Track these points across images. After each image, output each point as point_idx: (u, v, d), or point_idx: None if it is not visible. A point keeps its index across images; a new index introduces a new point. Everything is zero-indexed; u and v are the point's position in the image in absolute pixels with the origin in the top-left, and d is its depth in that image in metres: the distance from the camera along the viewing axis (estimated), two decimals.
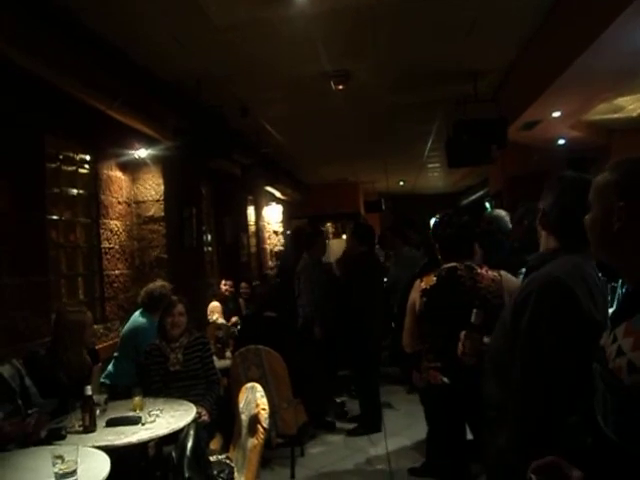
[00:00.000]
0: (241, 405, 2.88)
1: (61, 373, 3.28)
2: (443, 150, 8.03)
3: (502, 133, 4.67)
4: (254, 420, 2.63)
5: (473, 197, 13.43)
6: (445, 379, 2.52)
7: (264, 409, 2.61)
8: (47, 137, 4.01)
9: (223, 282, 6.26)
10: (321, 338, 4.94)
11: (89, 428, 2.70)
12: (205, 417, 3.24)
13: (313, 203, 11.81)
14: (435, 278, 2.61)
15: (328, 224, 12.99)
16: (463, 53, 4.52)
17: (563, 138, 6.37)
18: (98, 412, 2.96)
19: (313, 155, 8.51)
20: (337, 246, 12.12)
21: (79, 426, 2.75)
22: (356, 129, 6.88)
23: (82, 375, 3.35)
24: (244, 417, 2.80)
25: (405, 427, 4.94)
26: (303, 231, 5.58)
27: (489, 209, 11.65)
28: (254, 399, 2.71)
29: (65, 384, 3.21)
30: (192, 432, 2.17)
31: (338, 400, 5.50)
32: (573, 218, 1.52)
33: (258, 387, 2.76)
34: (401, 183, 13.15)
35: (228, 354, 4.57)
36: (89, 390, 2.76)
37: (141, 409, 2.99)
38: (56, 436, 2.62)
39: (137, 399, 3.03)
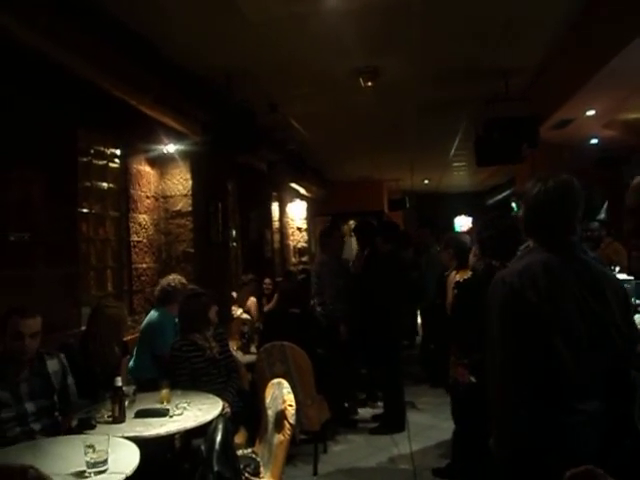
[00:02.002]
0: (267, 401, 2.89)
1: (94, 366, 3.35)
2: (470, 149, 7.94)
3: (534, 131, 4.59)
4: (281, 416, 2.63)
5: (499, 197, 13.24)
6: (472, 378, 2.50)
7: (291, 405, 2.61)
8: (80, 131, 4.07)
9: (267, 280, 6.46)
10: (346, 337, 4.92)
11: (118, 419, 2.74)
12: (227, 409, 3.26)
13: (337, 200, 11.78)
14: (471, 272, 2.58)
15: (351, 222, 12.96)
16: (496, 50, 4.45)
17: (596, 137, 6.24)
18: (127, 403, 3.00)
19: (339, 152, 8.49)
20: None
21: (108, 416, 2.79)
22: (383, 126, 6.84)
23: (113, 367, 3.41)
24: (270, 413, 2.81)
25: (429, 427, 4.91)
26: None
27: (515, 209, 11.51)
28: (281, 395, 2.72)
29: (97, 376, 3.27)
30: (221, 426, 2.19)
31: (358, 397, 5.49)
32: (542, 223, 1.71)
33: (285, 383, 2.77)
34: (426, 181, 13.04)
35: (253, 349, 4.60)
36: (119, 381, 2.79)
37: (168, 401, 3.02)
38: (86, 425, 2.66)
39: (165, 391, 3.06)
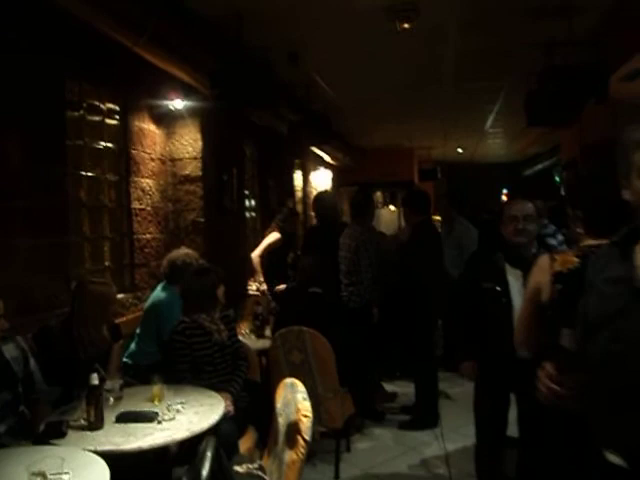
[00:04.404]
0: (278, 405, 2.34)
1: (78, 351, 2.86)
2: (514, 110, 7.17)
3: (602, 82, 3.84)
4: (293, 428, 2.08)
5: (538, 167, 12.34)
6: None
7: (306, 416, 2.05)
8: (69, 82, 3.52)
9: (290, 255, 5.34)
10: (378, 320, 4.33)
11: (95, 425, 2.23)
12: (230, 408, 2.74)
13: (364, 169, 11.07)
14: (577, 259, 1.92)
15: (378, 192, 12.26)
16: None
17: None
18: (111, 401, 2.52)
19: (367, 114, 7.76)
20: (388, 217, 11.47)
21: (84, 419, 2.29)
22: (417, 83, 6.11)
23: (101, 354, 2.92)
24: (281, 420, 2.27)
25: (464, 423, 4.29)
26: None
27: (558, 181, 10.64)
28: (294, 401, 2.16)
29: (80, 364, 2.78)
30: (210, 453, 1.64)
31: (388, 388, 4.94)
32: None
33: (299, 386, 2.20)
34: (460, 150, 12.21)
35: (267, 332, 4.06)
36: (95, 379, 2.27)
37: (160, 400, 2.52)
38: (55, 432, 2.16)
39: (156, 388, 2.56)
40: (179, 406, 2.43)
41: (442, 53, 4.96)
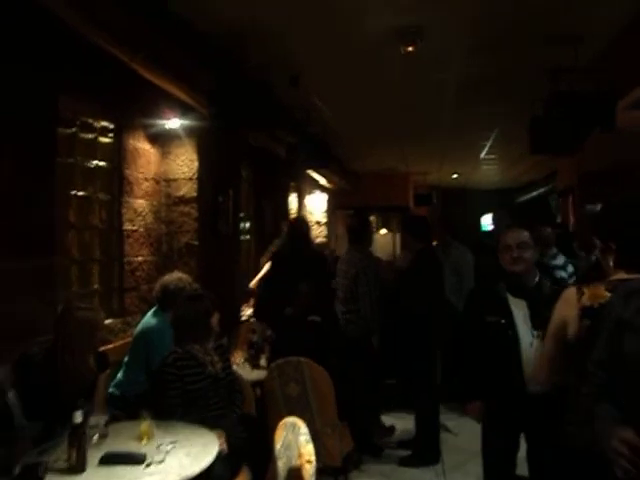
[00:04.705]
0: (278, 446, 2.15)
1: (61, 382, 2.66)
2: (512, 136, 7.13)
3: (609, 110, 3.76)
4: (295, 474, 1.90)
5: (533, 194, 12.33)
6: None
7: (310, 461, 1.88)
8: (62, 98, 3.38)
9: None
10: (377, 350, 4.15)
11: (76, 468, 2.04)
12: (224, 447, 2.56)
13: (359, 193, 10.98)
14: (608, 294, 1.78)
15: (372, 217, 12.18)
16: (565, 11, 3.65)
17: None
18: (95, 439, 2.32)
19: (365, 138, 7.68)
20: (382, 241, 11.35)
21: (65, 460, 2.09)
22: (417, 107, 6.05)
23: (87, 385, 2.73)
24: (281, 464, 2.08)
25: (467, 458, 4.14)
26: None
27: (552, 207, 10.62)
28: (297, 444, 1.99)
29: (65, 397, 2.58)
30: None
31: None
32: None
33: (302, 427, 2.03)
34: (455, 176, 12.19)
35: (263, 362, 3.87)
36: (79, 417, 2.08)
37: (149, 439, 2.32)
38: (31, 477, 1.96)
39: (145, 425, 2.36)
40: (169, 446, 2.24)
41: (445, 77, 4.89)
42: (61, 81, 3.27)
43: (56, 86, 3.24)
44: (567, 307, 1.86)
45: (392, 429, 4.58)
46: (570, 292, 1.86)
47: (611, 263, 1.84)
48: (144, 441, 2.31)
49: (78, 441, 2.03)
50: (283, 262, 4.50)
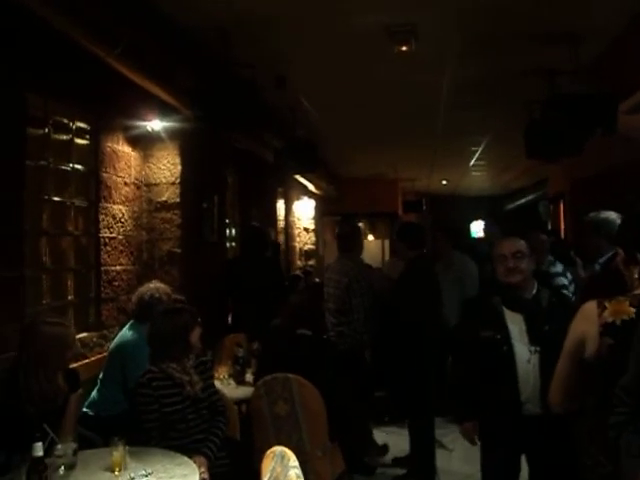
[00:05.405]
0: (265, 479, 1.94)
1: (24, 405, 2.42)
2: (504, 141, 7.00)
3: (610, 113, 3.62)
4: None
5: (522, 201, 12.26)
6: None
7: None
8: (31, 96, 3.15)
9: None
10: (370, 364, 3.95)
11: None
12: (205, 476, 2.34)
13: (347, 200, 10.82)
14: (633, 309, 1.59)
15: (360, 223, 12.01)
16: (562, 10, 3.51)
17: None
18: (61, 471, 2.08)
19: (353, 142, 7.49)
20: (371, 247, 11.17)
21: None
22: (407, 111, 5.89)
23: (56, 407, 2.49)
24: None
25: (462, 478, 3.96)
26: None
27: (542, 214, 10.53)
28: (285, 476, 1.77)
29: (30, 421, 2.34)
30: None
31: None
32: None
33: (292, 459, 1.81)
34: (444, 182, 12.08)
35: (249, 377, 3.64)
36: (39, 449, 1.85)
37: (120, 470, 2.09)
38: None
39: (116, 454, 2.13)
40: (144, 477, 2.02)
41: (437, 79, 4.73)
42: (30, 78, 3.04)
43: (24, 83, 3.02)
44: (586, 323, 1.68)
45: (385, 448, 4.37)
46: (590, 306, 1.68)
47: (636, 275, 1.66)
48: (116, 472, 2.08)
49: (38, 477, 1.80)
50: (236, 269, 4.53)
